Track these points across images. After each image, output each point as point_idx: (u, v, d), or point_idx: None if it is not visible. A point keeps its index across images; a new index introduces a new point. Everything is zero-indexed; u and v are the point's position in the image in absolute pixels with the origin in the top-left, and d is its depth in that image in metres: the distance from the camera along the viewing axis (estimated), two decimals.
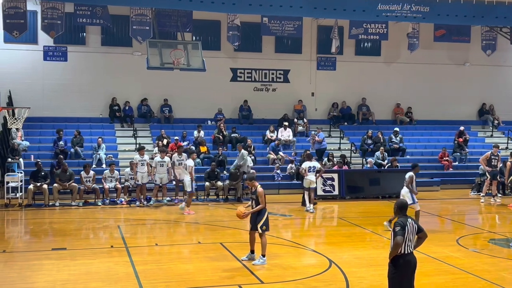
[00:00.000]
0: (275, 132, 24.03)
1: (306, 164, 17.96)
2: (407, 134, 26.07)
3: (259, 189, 11.26)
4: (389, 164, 22.20)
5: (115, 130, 24.01)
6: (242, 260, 11.42)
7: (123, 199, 18.99)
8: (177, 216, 17.05)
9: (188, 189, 17.64)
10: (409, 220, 7.59)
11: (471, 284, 10.18)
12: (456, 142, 25.33)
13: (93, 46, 24.34)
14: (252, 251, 11.44)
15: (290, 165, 21.72)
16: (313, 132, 23.58)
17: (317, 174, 18.02)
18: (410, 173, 14.83)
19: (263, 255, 11.20)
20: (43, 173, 18.70)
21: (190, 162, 17.79)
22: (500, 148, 21.08)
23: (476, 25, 25.00)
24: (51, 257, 11.79)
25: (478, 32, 26.17)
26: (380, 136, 24.32)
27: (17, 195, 18.32)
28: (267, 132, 24.12)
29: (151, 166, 18.76)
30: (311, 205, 17.73)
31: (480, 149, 25.70)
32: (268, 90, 26.38)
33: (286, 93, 26.25)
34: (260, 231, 11.16)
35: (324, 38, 26.03)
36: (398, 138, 24.62)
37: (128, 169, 19.49)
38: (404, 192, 14.67)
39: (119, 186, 19.06)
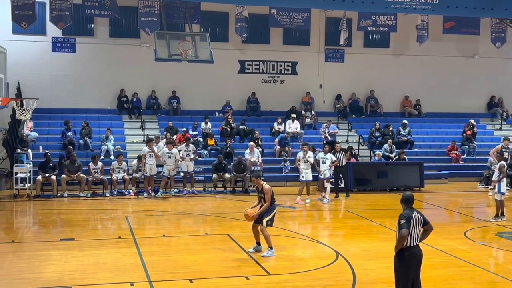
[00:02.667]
0: (283, 124, 24.00)
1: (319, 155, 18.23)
2: (416, 127, 25.96)
3: (266, 186, 11.26)
4: (397, 156, 22.14)
5: (123, 122, 24.06)
6: (249, 251, 11.45)
7: (131, 190, 19.06)
8: (184, 207, 17.11)
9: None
10: (415, 212, 7.58)
11: (478, 277, 10.16)
12: (464, 135, 25.21)
13: (101, 37, 24.37)
14: (258, 243, 11.46)
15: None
16: (324, 125, 23.52)
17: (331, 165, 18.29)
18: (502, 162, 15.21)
19: (271, 247, 11.22)
20: (51, 164, 18.79)
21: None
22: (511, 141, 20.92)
23: (486, 17, 24.78)
24: (59, 247, 11.87)
25: (487, 24, 25.97)
26: (388, 128, 24.24)
27: (26, 185, 18.43)
28: (275, 124, 24.09)
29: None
30: (308, 196, 18.03)
31: (488, 142, 25.57)
32: (276, 82, 26.33)
33: (294, 85, 26.19)
34: (264, 224, 11.17)
35: (333, 30, 25.91)
36: (406, 131, 24.54)
37: (135, 161, 19.54)
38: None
39: (127, 177, 19.13)
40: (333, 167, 18.49)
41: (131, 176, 19.27)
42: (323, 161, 18.27)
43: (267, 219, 11.20)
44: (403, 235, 7.39)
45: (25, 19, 20.88)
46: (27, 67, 22.95)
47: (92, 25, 24.31)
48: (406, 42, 26.81)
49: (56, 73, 23.82)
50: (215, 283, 9.55)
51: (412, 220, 7.46)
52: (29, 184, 18.45)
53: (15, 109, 16.83)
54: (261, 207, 11.30)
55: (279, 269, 10.41)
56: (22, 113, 16.03)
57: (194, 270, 10.31)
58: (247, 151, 20.79)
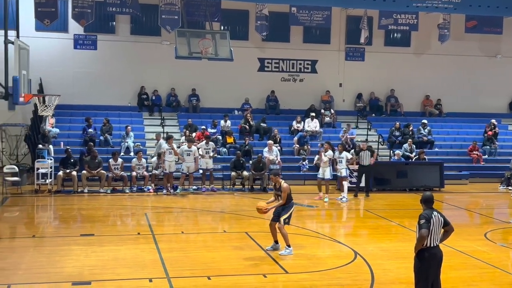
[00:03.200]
0: (302, 122, 23.96)
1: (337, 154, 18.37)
2: (436, 127, 25.73)
3: (284, 184, 11.27)
4: (417, 156, 21.98)
5: (143, 119, 24.22)
6: (267, 249, 11.47)
7: (150, 187, 19.18)
8: (203, 204, 17.19)
9: None
10: (435, 213, 7.52)
11: (498, 279, 10.07)
12: (485, 135, 24.94)
13: (123, 35, 24.54)
14: (276, 241, 11.47)
15: (317, 156, 21.64)
16: (343, 129, 23.40)
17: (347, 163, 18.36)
18: None
19: (288, 245, 11.22)
20: (72, 160, 18.98)
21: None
22: None
23: (509, 16, 24.48)
24: (80, 242, 12.00)
25: (510, 24, 25.64)
26: (410, 128, 24.07)
27: (47, 181, 18.64)
28: (294, 123, 24.05)
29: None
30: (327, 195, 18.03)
31: (510, 142, 25.29)
32: (296, 81, 26.29)
33: (314, 83, 26.12)
34: (281, 222, 11.17)
35: (353, 28, 25.78)
36: (426, 130, 24.34)
37: (155, 158, 19.65)
38: None
39: (146, 174, 19.25)
40: (356, 165, 18.55)
41: (150, 173, 19.39)
42: (339, 160, 18.29)
43: (284, 217, 11.20)
44: (423, 235, 7.34)
45: (47, 16, 21.13)
46: (49, 64, 23.18)
47: (114, 23, 24.50)
48: (427, 41, 26.59)
49: (77, 70, 24.03)
50: (233, 281, 9.58)
51: (432, 221, 7.40)
52: (50, 180, 18.66)
53: (37, 105, 17.02)
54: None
55: (297, 268, 10.41)
56: (44, 109, 16.21)
57: (212, 267, 10.36)
58: (266, 149, 20.80)
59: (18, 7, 14.75)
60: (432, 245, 7.43)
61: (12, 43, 13.08)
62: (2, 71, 13.06)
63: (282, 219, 11.18)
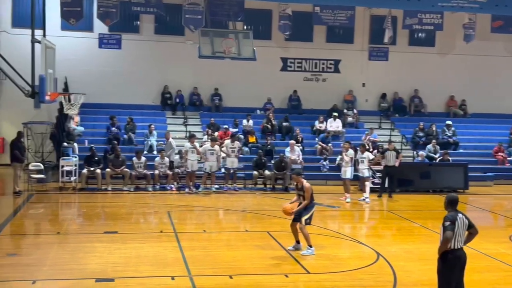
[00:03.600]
0: (324, 122, 23.88)
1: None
2: (461, 127, 25.44)
3: (306, 184, 11.27)
4: (441, 157, 21.75)
5: (166, 118, 24.37)
6: (288, 249, 11.46)
7: (173, 186, 19.30)
8: (225, 203, 17.24)
9: None
10: (460, 215, 7.45)
11: None
12: (511, 136, 24.58)
13: (147, 34, 24.74)
14: (298, 241, 11.46)
15: (339, 156, 21.56)
16: (366, 132, 23.26)
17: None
18: None
19: (310, 246, 11.21)
20: (96, 158, 19.19)
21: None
22: None
23: None
24: (103, 240, 12.12)
25: None
26: (433, 129, 23.83)
27: (71, 179, 18.87)
28: (316, 123, 23.99)
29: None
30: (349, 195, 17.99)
31: None
32: (318, 80, 26.22)
33: (337, 83, 26.02)
34: (303, 223, 11.16)
35: (377, 28, 25.62)
36: (450, 132, 24.07)
37: (177, 157, 19.75)
38: None
39: (169, 172, 19.37)
40: (379, 166, 18.50)
41: (173, 171, 19.50)
42: (360, 160, 18.22)
43: (305, 217, 11.19)
44: (448, 237, 7.26)
45: (73, 16, 21.39)
46: (74, 63, 23.43)
47: (138, 22, 24.71)
48: (452, 41, 26.30)
49: (102, 69, 24.28)
50: (255, 280, 9.59)
51: (457, 223, 7.33)
52: (74, 177, 18.88)
53: (63, 103, 17.24)
54: (299, 204, 11.30)
55: (318, 268, 10.39)
56: (70, 108, 16.41)
57: (234, 266, 10.39)
58: (288, 149, 20.79)
59: (45, 6, 14.94)
60: (456, 247, 7.36)
61: (39, 42, 13.25)
62: (29, 70, 13.24)
63: (303, 219, 11.16)
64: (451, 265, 7.40)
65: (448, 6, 20.99)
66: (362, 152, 18.40)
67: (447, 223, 7.32)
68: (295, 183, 11.72)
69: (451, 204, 7.55)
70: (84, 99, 17.57)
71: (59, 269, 10.02)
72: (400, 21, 24.64)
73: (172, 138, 20.69)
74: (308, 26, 24.91)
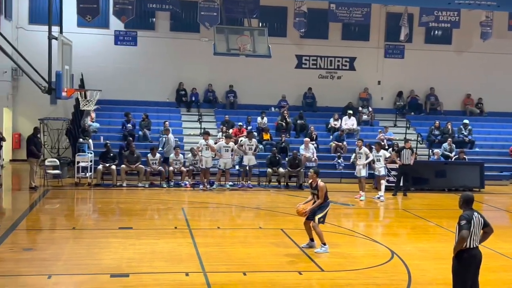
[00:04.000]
0: (339, 120, 23.80)
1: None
2: (477, 126, 25.21)
3: (321, 183, 11.25)
4: (457, 156, 21.59)
5: (181, 115, 24.45)
6: (302, 247, 11.45)
7: (187, 182, 19.36)
8: (239, 200, 17.27)
9: None
10: (475, 214, 7.39)
11: None
12: None
13: (162, 31, 24.83)
14: (312, 239, 11.45)
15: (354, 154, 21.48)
16: (380, 131, 23.12)
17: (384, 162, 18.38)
18: None
19: (324, 243, 11.19)
20: (111, 154, 19.30)
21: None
22: None
23: None
24: (118, 235, 12.19)
25: None
26: (449, 127, 23.66)
27: (87, 174, 19.01)
28: (331, 120, 23.93)
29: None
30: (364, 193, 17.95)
31: None
32: (333, 78, 26.14)
33: (352, 81, 25.94)
34: (316, 221, 11.14)
35: (393, 25, 25.47)
36: (467, 131, 23.87)
37: (190, 155, 19.77)
38: None
39: (183, 169, 19.43)
40: (398, 164, 18.45)
41: (187, 168, 19.57)
42: (376, 159, 18.15)
43: (319, 216, 11.16)
44: (463, 236, 7.21)
45: (89, 13, 21.54)
46: (90, 59, 23.61)
47: (153, 19, 24.81)
48: (469, 38, 26.10)
49: (117, 65, 24.44)
50: (268, 277, 9.60)
51: (472, 222, 7.28)
52: (90, 173, 19.02)
53: (79, 100, 17.35)
54: (313, 203, 11.28)
55: (332, 266, 10.37)
56: (86, 104, 16.52)
57: (247, 263, 10.41)
58: (302, 146, 20.76)
59: (62, 3, 15.03)
60: (471, 246, 7.30)
61: (56, 38, 13.34)
62: (46, 66, 13.34)
63: (317, 218, 11.14)
64: (466, 264, 7.34)
65: (465, 4, 20.79)
66: (378, 151, 18.31)
67: (463, 222, 7.27)
68: (309, 181, 11.69)
69: (467, 203, 7.49)
70: (100, 95, 17.69)
71: (75, 264, 10.10)
72: (417, 19, 24.50)
73: (192, 135, 20.72)
74: (323, 23, 24.84)
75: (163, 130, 21.86)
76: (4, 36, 14.84)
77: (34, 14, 23.52)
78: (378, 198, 17.93)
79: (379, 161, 18.17)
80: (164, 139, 21.52)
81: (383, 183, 18.13)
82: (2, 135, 19.00)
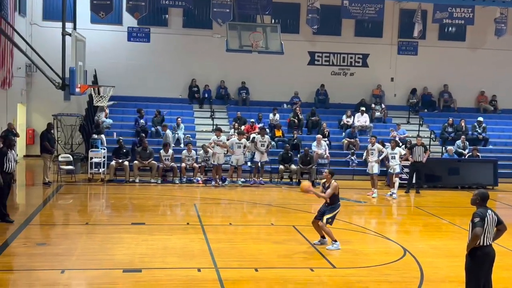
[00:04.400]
0: (352, 117, 23.72)
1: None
2: (491, 123, 25.04)
3: (334, 183, 11.19)
4: (470, 153, 21.44)
5: (193, 111, 24.51)
6: (314, 244, 11.45)
7: (199, 178, 19.41)
8: (251, 197, 17.29)
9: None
10: (489, 211, 7.34)
11: None
12: None
13: (175, 27, 24.89)
14: (323, 236, 11.44)
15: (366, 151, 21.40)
16: (391, 129, 23.00)
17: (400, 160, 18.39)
18: None
19: (335, 240, 11.17)
20: (124, 150, 19.39)
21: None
22: None
23: None
24: (131, 231, 12.25)
25: None
26: (462, 124, 23.50)
27: (100, 170, 19.12)
28: (344, 117, 23.86)
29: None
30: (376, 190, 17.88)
31: None
32: (346, 75, 26.07)
33: (365, 77, 25.85)
34: (324, 221, 11.13)
35: (406, 22, 25.34)
36: (481, 128, 23.70)
37: (202, 152, 19.81)
38: None
39: (195, 165, 19.48)
40: (410, 161, 18.38)
41: (199, 165, 19.61)
42: (392, 156, 18.07)
43: (328, 216, 11.15)
44: (477, 234, 7.17)
45: (102, 9, 21.63)
46: (103, 56, 23.73)
47: (166, 16, 24.87)
48: (483, 35, 25.90)
49: (130, 62, 24.53)
50: (280, 273, 9.60)
51: (486, 219, 7.23)
52: (103, 169, 19.13)
53: (93, 96, 17.46)
54: (325, 201, 11.25)
55: (344, 263, 10.36)
56: (99, 100, 16.62)
57: (259, 259, 10.42)
58: (314, 143, 20.72)
59: (76, 0, 15.13)
60: (485, 244, 7.25)
61: (69, 35, 13.43)
62: (60, 62, 13.43)
63: (325, 218, 11.13)
64: (479, 262, 7.30)
65: (479, 0, 20.66)
66: (393, 148, 18.22)
67: (477, 220, 7.22)
68: (323, 181, 11.60)
69: (483, 200, 7.42)
70: (113, 91, 17.77)
71: (88, 259, 10.17)
72: (430, 15, 24.34)
73: (204, 131, 20.78)
74: (336, 19, 24.77)
75: (175, 126, 21.96)
76: (19, 32, 14.98)
77: (48, 10, 23.67)
78: (390, 195, 17.87)
79: (394, 158, 18.10)
80: (176, 135, 21.68)
81: (397, 180, 18.06)
82: (16, 131, 19.15)
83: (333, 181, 11.25)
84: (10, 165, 12.54)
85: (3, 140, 13.38)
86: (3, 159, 12.42)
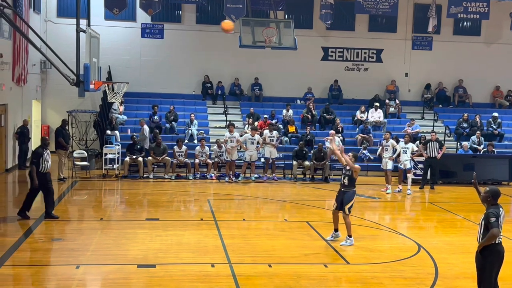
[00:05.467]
0: (366, 113, 23.62)
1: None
2: (506, 119, 24.80)
3: (357, 165, 11.33)
4: (485, 149, 21.26)
5: (206, 107, 24.54)
6: (327, 239, 11.43)
7: (213, 174, 19.44)
8: (264, 193, 17.29)
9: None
10: (501, 209, 7.32)
11: None
12: None
13: (188, 24, 24.90)
14: (336, 229, 11.44)
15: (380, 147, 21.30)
16: (408, 124, 22.84)
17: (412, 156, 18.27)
18: None
19: (350, 236, 11.15)
20: (138, 146, 19.48)
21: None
22: None
23: None
24: (145, 226, 12.33)
25: None
26: (477, 120, 23.31)
27: (114, 166, 19.23)
28: (357, 113, 23.75)
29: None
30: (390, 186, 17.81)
31: None
32: (360, 70, 25.95)
33: (379, 73, 25.72)
34: (346, 212, 11.13)
35: (421, 17, 25.17)
36: (496, 124, 23.48)
37: (215, 147, 19.83)
38: None
39: (209, 161, 19.52)
40: (425, 157, 18.25)
41: (213, 161, 19.65)
42: (403, 150, 17.92)
43: (348, 205, 11.18)
44: (494, 234, 7.15)
45: (116, 6, 21.69)
46: (117, 52, 23.84)
47: (180, 12, 24.90)
48: (498, 30, 25.65)
49: (144, 58, 24.62)
50: (294, 269, 9.61)
51: (500, 218, 7.21)
52: (117, 165, 19.24)
53: (107, 92, 17.54)
54: (343, 186, 11.26)
55: (358, 259, 10.34)
56: (113, 97, 16.69)
57: (273, 255, 10.43)
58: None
59: None
60: (498, 242, 7.24)
61: (84, 31, 13.47)
62: (74, 59, 13.48)
63: (346, 208, 11.14)
64: (493, 260, 7.28)
65: None
66: (406, 143, 18.04)
67: (493, 219, 7.17)
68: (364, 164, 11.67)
69: (494, 198, 7.38)
70: (127, 88, 17.84)
71: (102, 254, 10.24)
72: (445, 10, 24.09)
73: (217, 127, 20.77)
74: (350, 15, 24.65)
75: (188, 122, 22.01)
76: (33, 29, 15.05)
77: (62, 7, 23.80)
78: (399, 191, 17.71)
79: (405, 153, 17.92)
80: (189, 131, 21.73)
81: (409, 176, 17.92)
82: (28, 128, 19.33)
83: (356, 164, 11.33)
84: (46, 165, 12.69)
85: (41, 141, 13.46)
86: (39, 160, 12.56)
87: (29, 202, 12.82)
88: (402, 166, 18.11)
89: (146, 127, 20.42)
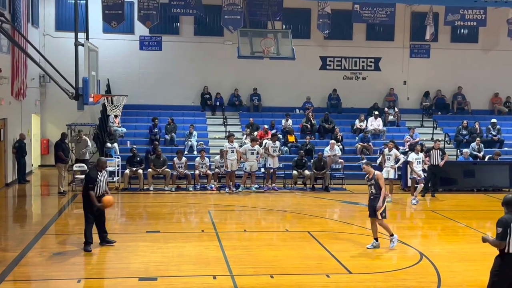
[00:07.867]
0: (365, 121, 23.63)
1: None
2: (506, 125, 24.81)
3: (378, 173, 11.59)
4: (490, 156, 21.17)
5: (206, 118, 24.56)
6: (368, 248, 11.56)
7: (213, 185, 19.41)
8: (265, 203, 17.26)
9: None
10: None
11: None
12: None
13: (186, 35, 24.98)
14: (376, 239, 11.65)
15: (380, 155, 21.29)
16: (407, 134, 22.79)
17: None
18: None
19: (392, 235, 11.62)
20: (138, 159, 19.45)
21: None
22: None
23: None
24: (146, 239, 12.28)
25: None
26: (476, 126, 23.32)
27: (114, 179, 19.18)
28: (357, 121, 23.78)
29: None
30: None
31: None
32: (358, 79, 25.99)
33: (377, 81, 25.77)
34: (379, 217, 11.45)
35: (418, 25, 25.25)
36: (495, 130, 23.50)
37: (218, 157, 19.82)
38: None
39: (209, 172, 19.49)
40: (428, 165, 18.10)
41: (213, 172, 19.62)
42: (417, 161, 17.69)
43: (380, 211, 11.46)
44: (496, 246, 7.00)
45: (114, 19, 21.75)
46: (116, 65, 23.89)
47: (178, 24, 24.97)
48: (496, 37, 25.72)
49: (143, 70, 24.66)
50: (296, 280, 9.57)
51: (509, 229, 7.04)
52: (117, 178, 19.21)
53: (106, 105, 17.55)
54: (372, 194, 11.51)
55: (360, 268, 10.29)
56: (113, 110, 16.69)
57: (275, 265, 10.38)
58: (328, 148, 20.64)
59: (88, 10, 15.22)
60: (510, 251, 7.06)
61: (82, 45, 13.50)
62: (73, 72, 13.51)
63: (378, 213, 11.45)
64: (506, 269, 7.09)
65: (492, 1, 20.49)
66: (417, 153, 17.84)
67: (499, 230, 7.02)
68: (365, 174, 11.81)
69: (508, 205, 7.20)
70: (126, 100, 17.84)
71: (104, 268, 10.21)
72: (442, 18, 24.20)
73: (217, 138, 20.76)
74: (347, 24, 24.73)
75: (188, 134, 22.01)
76: (32, 43, 15.09)
77: (60, 21, 23.86)
78: (416, 203, 17.52)
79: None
80: (189, 143, 21.73)
81: (420, 186, 17.69)
82: (25, 142, 19.38)
83: (374, 172, 11.54)
84: (100, 190, 11.61)
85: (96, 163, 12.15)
86: (94, 184, 11.38)
87: (90, 231, 11.53)
88: (415, 176, 17.88)
89: (86, 137, 19.96)
